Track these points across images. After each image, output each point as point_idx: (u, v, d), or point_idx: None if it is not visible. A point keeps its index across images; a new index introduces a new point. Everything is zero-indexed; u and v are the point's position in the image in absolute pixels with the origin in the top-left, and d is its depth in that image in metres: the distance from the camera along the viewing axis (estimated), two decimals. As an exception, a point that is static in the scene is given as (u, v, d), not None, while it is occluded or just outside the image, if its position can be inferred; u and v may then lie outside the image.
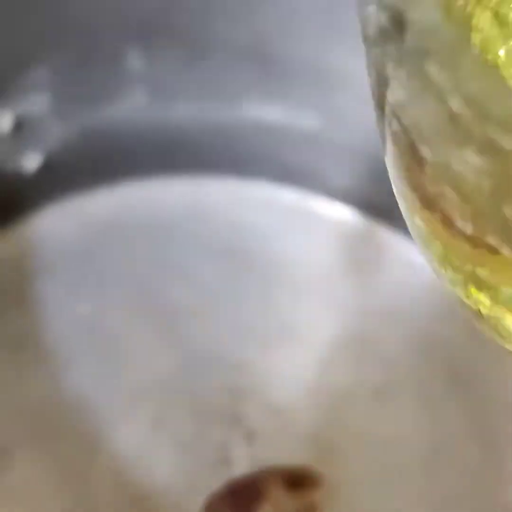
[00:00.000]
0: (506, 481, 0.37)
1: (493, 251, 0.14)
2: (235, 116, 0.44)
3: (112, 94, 0.41)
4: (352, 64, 0.36)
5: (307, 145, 0.45)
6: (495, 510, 0.36)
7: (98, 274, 0.43)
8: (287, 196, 0.47)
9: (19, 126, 0.40)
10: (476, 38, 0.16)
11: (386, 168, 0.17)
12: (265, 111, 0.43)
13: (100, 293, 0.42)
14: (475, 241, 0.14)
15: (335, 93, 0.41)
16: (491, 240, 0.14)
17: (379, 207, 0.45)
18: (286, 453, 0.37)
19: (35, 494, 0.35)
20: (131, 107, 0.42)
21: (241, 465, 0.36)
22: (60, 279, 0.42)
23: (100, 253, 0.44)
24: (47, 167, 0.43)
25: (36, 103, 0.40)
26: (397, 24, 0.13)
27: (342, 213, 0.46)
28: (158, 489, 0.35)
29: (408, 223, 0.17)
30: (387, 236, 0.44)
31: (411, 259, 0.44)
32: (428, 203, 0.15)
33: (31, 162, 0.42)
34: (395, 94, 0.15)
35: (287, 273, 0.44)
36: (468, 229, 0.14)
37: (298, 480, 0.36)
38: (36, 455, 0.36)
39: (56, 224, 0.45)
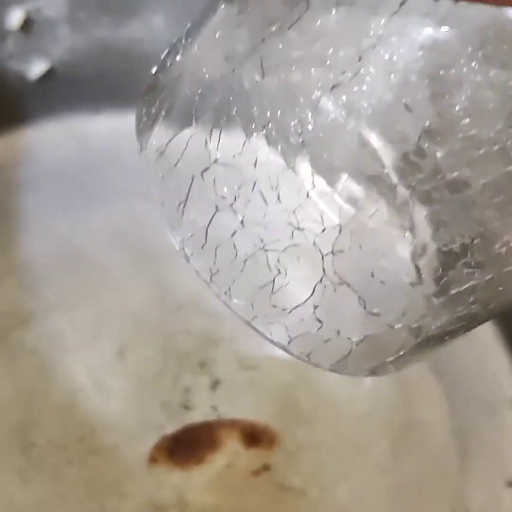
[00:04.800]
0: (470, 477, 0.36)
1: None
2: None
3: (133, 9, 0.39)
4: None
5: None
6: (453, 504, 0.35)
7: (84, 196, 0.41)
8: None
9: (29, 26, 0.38)
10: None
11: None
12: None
13: (82, 214, 0.40)
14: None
15: None
16: None
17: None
18: (248, 408, 0.35)
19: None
20: (151, 28, 0.40)
21: (200, 412, 0.35)
22: (44, 194, 0.41)
23: (91, 176, 0.42)
24: (52, 76, 0.41)
25: (50, 4, 0.38)
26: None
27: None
28: (110, 422, 0.34)
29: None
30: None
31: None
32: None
33: (36, 67, 0.40)
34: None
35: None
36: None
37: (255, 437, 0.35)
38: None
39: (51, 138, 0.43)
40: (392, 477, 0.35)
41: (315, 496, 0.34)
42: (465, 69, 0.16)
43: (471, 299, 0.18)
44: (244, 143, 0.18)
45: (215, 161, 0.18)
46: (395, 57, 0.16)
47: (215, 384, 0.36)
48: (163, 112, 0.20)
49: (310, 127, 0.17)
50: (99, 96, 0.42)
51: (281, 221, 0.18)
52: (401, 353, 0.19)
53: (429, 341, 0.19)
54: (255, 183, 0.18)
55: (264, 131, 0.17)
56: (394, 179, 0.16)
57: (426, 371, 0.38)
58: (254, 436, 0.35)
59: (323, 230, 0.17)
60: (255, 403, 0.36)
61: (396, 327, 0.18)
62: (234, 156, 0.18)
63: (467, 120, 0.16)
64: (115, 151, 0.42)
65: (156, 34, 0.41)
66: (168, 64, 0.21)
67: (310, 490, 0.34)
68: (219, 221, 0.19)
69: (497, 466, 0.36)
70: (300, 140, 0.17)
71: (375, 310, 0.18)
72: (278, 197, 0.18)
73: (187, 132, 0.19)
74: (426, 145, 0.16)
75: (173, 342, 0.37)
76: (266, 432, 0.35)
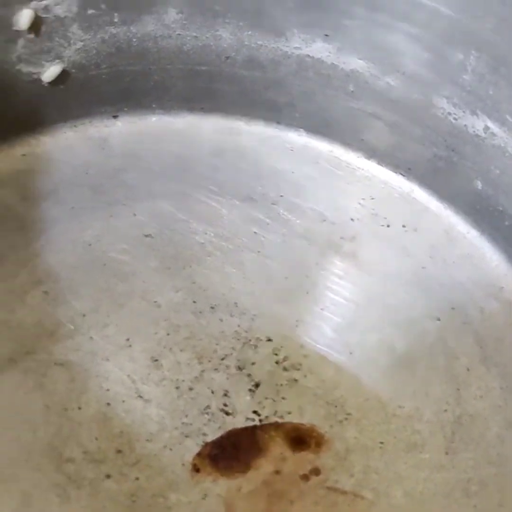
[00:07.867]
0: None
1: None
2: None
3: (145, 4, 0.38)
4: None
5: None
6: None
7: (106, 203, 0.40)
8: (323, 147, 0.44)
9: (37, 27, 0.37)
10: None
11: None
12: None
13: (105, 221, 0.39)
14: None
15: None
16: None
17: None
18: (291, 410, 0.34)
19: (19, 420, 0.32)
20: (165, 27, 0.39)
21: (242, 417, 0.33)
22: (65, 203, 0.39)
23: (113, 181, 0.40)
24: (66, 80, 0.39)
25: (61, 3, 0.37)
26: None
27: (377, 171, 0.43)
28: (148, 432, 0.32)
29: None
30: (421, 197, 0.41)
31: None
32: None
33: (48, 71, 0.39)
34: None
35: (315, 227, 0.41)
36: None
37: (301, 439, 0.33)
38: (21, 379, 0.33)
39: (68, 145, 0.41)
40: (448, 475, 0.33)
41: (370, 499, 0.32)
42: None
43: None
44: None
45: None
46: None
47: (255, 386, 0.34)
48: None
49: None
50: (115, 98, 0.41)
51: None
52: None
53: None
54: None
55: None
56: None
57: (475, 362, 0.36)
58: (300, 439, 0.33)
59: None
60: (299, 404, 0.34)
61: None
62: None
63: None
64: (135, 154, 0.41)
65: (170, 30, 0.39)
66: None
67: (364, 494, 0.32)
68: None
69: (558, 457, 0.34)
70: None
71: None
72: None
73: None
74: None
75: (209, 345, 0.35)
76: (312, 434, 0.33)
